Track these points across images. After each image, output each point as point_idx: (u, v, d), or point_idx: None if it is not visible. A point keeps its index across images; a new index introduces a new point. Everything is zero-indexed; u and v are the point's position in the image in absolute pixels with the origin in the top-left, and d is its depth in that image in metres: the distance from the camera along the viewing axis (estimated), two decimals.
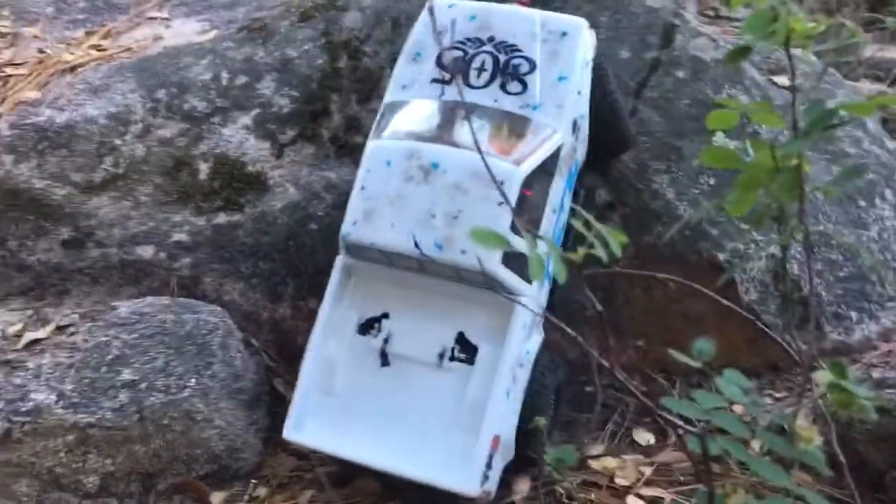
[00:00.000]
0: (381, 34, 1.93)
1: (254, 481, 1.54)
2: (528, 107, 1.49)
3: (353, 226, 1.47)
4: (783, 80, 2.20)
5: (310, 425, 1.46)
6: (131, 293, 1.80)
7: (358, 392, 1.48)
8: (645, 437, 1.65)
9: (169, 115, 1.92)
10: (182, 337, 1.57)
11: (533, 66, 1.51)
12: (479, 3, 1.62)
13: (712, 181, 1.75)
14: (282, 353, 1.78)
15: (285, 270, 1.82)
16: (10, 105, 1.95)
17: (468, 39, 1.56)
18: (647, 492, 1.47)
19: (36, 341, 1.57)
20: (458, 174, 1.43)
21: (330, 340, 1.49)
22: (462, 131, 1.49)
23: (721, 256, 1.71)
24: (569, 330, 0.96)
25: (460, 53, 1.55)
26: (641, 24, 1.85)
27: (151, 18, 2.44)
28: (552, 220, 1.50)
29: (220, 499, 1.51)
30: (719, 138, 1.74)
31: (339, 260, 1.52)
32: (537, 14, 1.58)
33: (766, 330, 1.66)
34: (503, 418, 1.42)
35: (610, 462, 1.55)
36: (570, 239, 1.58)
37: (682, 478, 1.51)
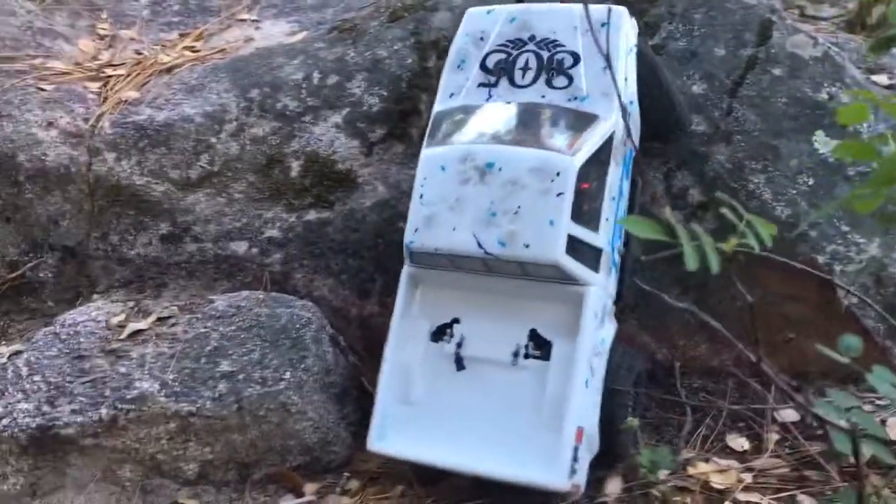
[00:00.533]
0: None
1: (346, 474, 1.56)
2: (575, 99, 1.50)
3: (415, 234, 1.49)
4: (882, 78, 2.13)
5: (392, 435, 1.48)
6: (226, 287, 1.85)
7: (436, 398, 1.49)
8: (739, 442, 1.61)
9: (262, 113, 1.96)
10: (277, 330, 1.60)
11: (577, 59, 1.52)
12: (517, 6, 1.63)
13: (811, 181, 1.70)
14: (369, 349, 1.80)
15: (373, 267, 1.84)
16: (112, 104, 2.02)
17: (509, 41, 1.59)
18: (744, 497, 1.43)
19: (138, 332, 1.62)
20: (514, 171, 1.45)
21: (404, 350, 1.51)
22: (514, 130, 1.51)
23: (820, 259, 1.67)
24: (718, 326, 0.94)
25: (504, 55, 1.58)
26: (737, 21, 1.81)
27: (242, 20, 2.50)
28: (612, 208, 1.51)
29: (312, 490, 1.53)
30: (820, 137, 1.69)
31: (405, 270, 1.54)
32: (576, 7, 1.58)
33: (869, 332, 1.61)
34: (585, 410, 1.42)
35: (704, 466, 1.53)
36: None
37: (779, 484, 1.47)
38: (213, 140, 1.93)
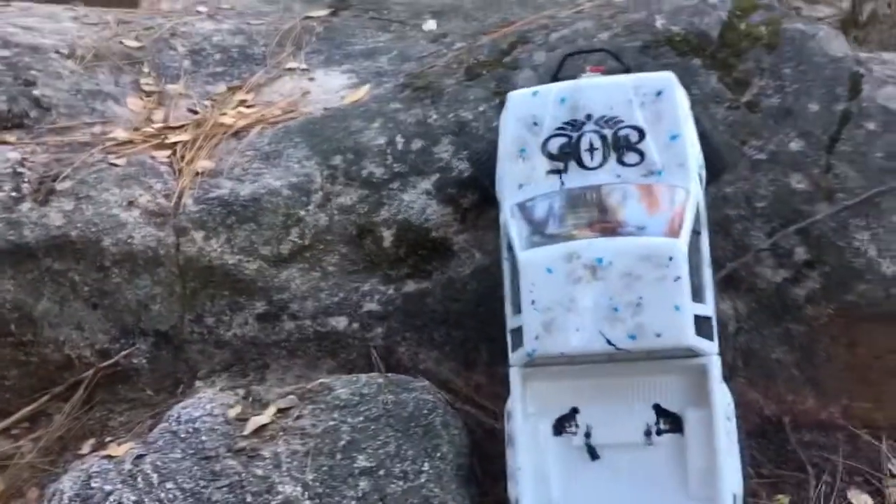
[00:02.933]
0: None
1: None
2: (651, 174, 1.50)
3: (536, 341, 1.46)
4: None
5: None
6: (330, 366, 1.82)
7: (577, 492, 1.49)
8: (862, 498, 1.65)
9: (347, 181, 1.93)
10: (406, 419, 1.59)
11: (642, 133, 1.52)
12: (562, 84, 1.60)
13: None
14: (479, 421, 1.79)
15: (477, 337, 1.83)
16: (189, 178, 1.96)
17: (567, 123, 1.56)
18: None
19: (262, 427, 1.59)
20: (625, 263, 1.44)
21: (532, 453, 1.49)
22: (604, 216, 1.49)
23: None
24: None
25: (565, 139, 1.55)
26: (827, 76, 1.83)
27: (290, 69, 2.44)
28: (709, 275, 1.51)
29: None
30: None
31: (515, 372, 1.51)
32: (626, 80, 1.57)
33: None
34: (733, 475, 1.45)
35: None
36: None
37: None
38: (302, 213, 1.89)
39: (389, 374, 1.71)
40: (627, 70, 1.70)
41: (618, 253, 1.45)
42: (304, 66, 2.44)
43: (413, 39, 2.45)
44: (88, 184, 1.91)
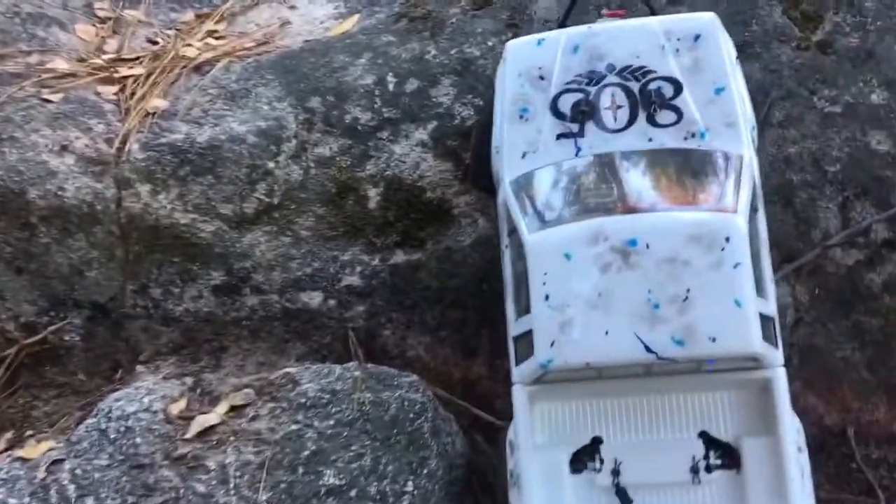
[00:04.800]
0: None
1: None
2: (693, 136, 1.21)
3: (551, 349, 1.14)
4: None
5: None
6: (300, 351, 1.52)
7: None
8: None
9: (327, 128, 1.61)
10: (387, 424, 1.29)
11: (678, 86, 1.23)
12: (574, 30, 1.30)
13: None
14: (478, 419, 1.50)
15: (478, 319, 1.53)
16: (138, 118, 1.64)
17: (581, 76, 1.26)
18: None
19: (210, 429, 1.29)
20: (667, 245, 1.14)
21: (543, 495, 1.17)
22: (636, 189, 1.19)
23: None
24: None
25: (580, 95, 1.25)
26: None
27: None
28: (769, 264, 1.21)
29: None
30: None
31: (519, 392, 1.18)
32: (654, 22, 1.28)
33: None
34: None
35: None
36: None
37: None
38: (271, 165, 1.57)
39: (369, 366, 1.40)
40: (654, 14, 1.37)
41: (657, 233, 1.14)
42: None
43: None
44: (14, 123, 1.58)
